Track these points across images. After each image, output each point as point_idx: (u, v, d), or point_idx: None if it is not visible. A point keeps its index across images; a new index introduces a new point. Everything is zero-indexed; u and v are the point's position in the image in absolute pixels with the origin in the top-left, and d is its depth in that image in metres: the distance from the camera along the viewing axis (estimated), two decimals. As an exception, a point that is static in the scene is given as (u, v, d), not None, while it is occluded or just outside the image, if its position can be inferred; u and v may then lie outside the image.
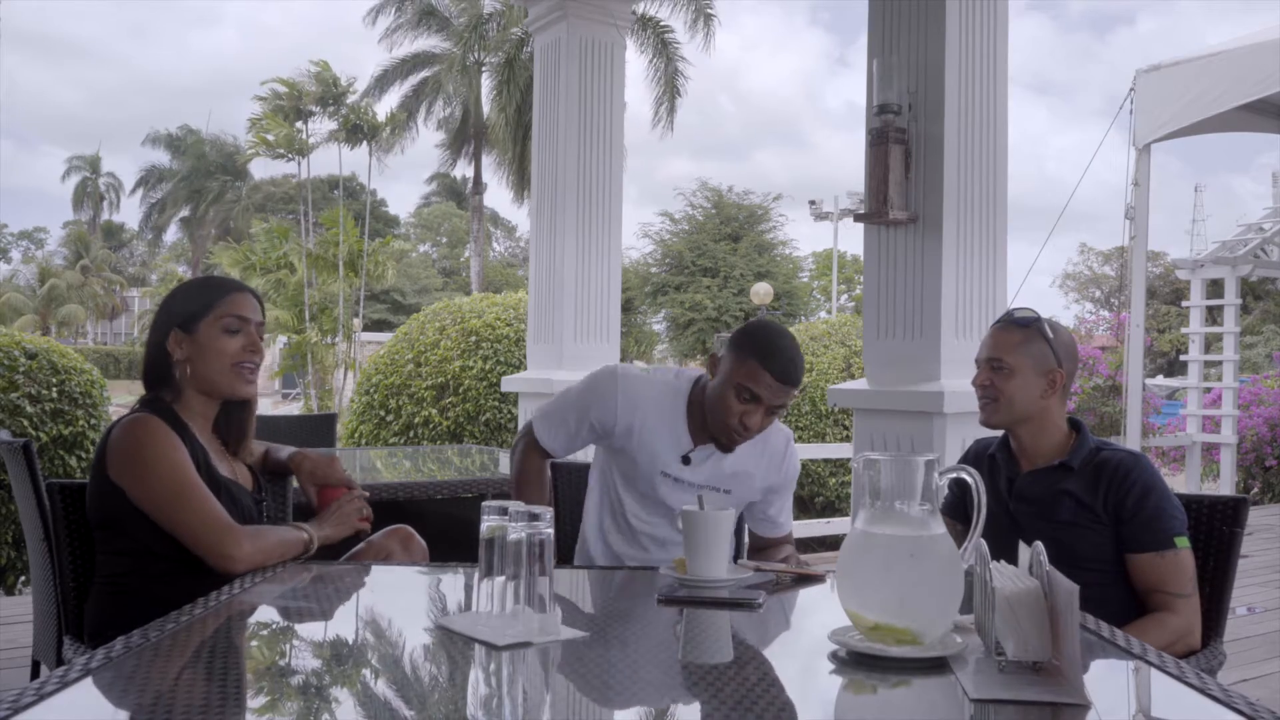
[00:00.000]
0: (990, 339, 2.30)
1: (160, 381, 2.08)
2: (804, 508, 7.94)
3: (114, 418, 5.69)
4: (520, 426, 5.41)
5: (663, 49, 23.87)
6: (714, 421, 2.28)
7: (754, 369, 2.20)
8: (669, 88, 23.91)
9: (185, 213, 46.32)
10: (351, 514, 2.19)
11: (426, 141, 29.87)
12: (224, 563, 1.91)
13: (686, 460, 2.36)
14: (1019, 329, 2.26)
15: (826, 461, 7.79)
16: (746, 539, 2.63)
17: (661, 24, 23.68)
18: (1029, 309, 2.32)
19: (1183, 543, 2.12)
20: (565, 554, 2.61)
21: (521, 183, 26.24)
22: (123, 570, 2.03)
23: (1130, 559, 2.14)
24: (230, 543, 1.91)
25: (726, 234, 31.75)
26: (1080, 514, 2.16)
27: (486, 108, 27.21)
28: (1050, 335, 2.25)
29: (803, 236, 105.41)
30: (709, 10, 23.24)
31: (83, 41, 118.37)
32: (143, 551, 1.99)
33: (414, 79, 28.22)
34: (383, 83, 27.54)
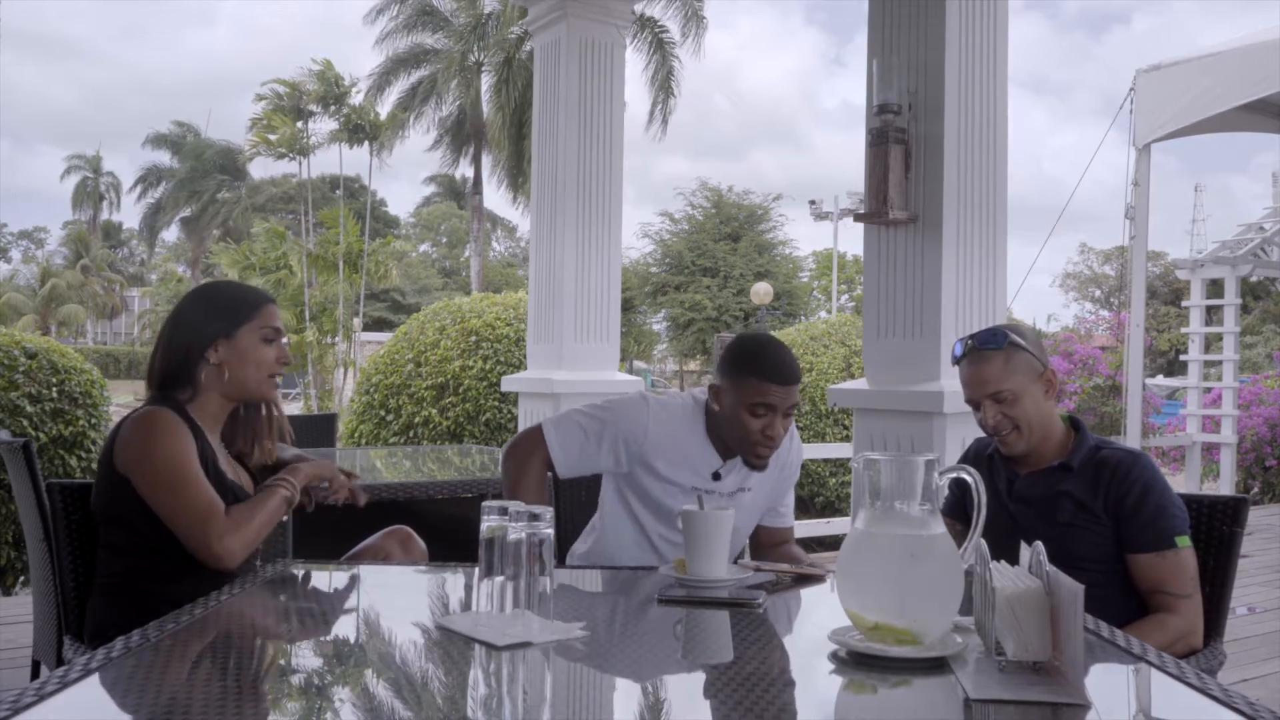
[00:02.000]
0: (974, 373, 2.21)
1: (177, 383, 2.09)
2: (804, 508, 7.94)
3: (114, 417, 5.71)
4: (520, 428, 5.41)
5: (658, 48, 23.87)
6: (738, 445, 2.30)
7: (757, 385, 2.22)
8: (663, 88, 23.92)
9: (186, 213, 46.31)
10: (328, 466, 2.22)
11: (426, 142, 29.85)
12: (208, 558, 1.92)
13: (717, 476, 2.36)
14: (996, 351, 2.19)
15: (826, 461, 7.78)
16: (746, 541, 2.63)
17: (658, 24, 23.69)
18: (985, 329, 2.27)
19: (1184, 542, 2.10)
20: (563, 554, 2.61)
21: (517, 182, 26.26)
22: (124, 569, 2.03)
23: (1131, 559, 2.12)
24: (213, 537, 1.92)
25: (726, 234, 31.77)
26: (1080, 515, 2.15)
27: (486, 108, 27.22)
28: (1023, 341, 2.21)
29: (802, 236, 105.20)
30: (701, 14, 23.27)
31: (76, 40, 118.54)
32: (145, 549, 2.00)
33: (413, 77, 28.22)
34: (382, 82, 27.54)
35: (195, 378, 2.09)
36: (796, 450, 2.51)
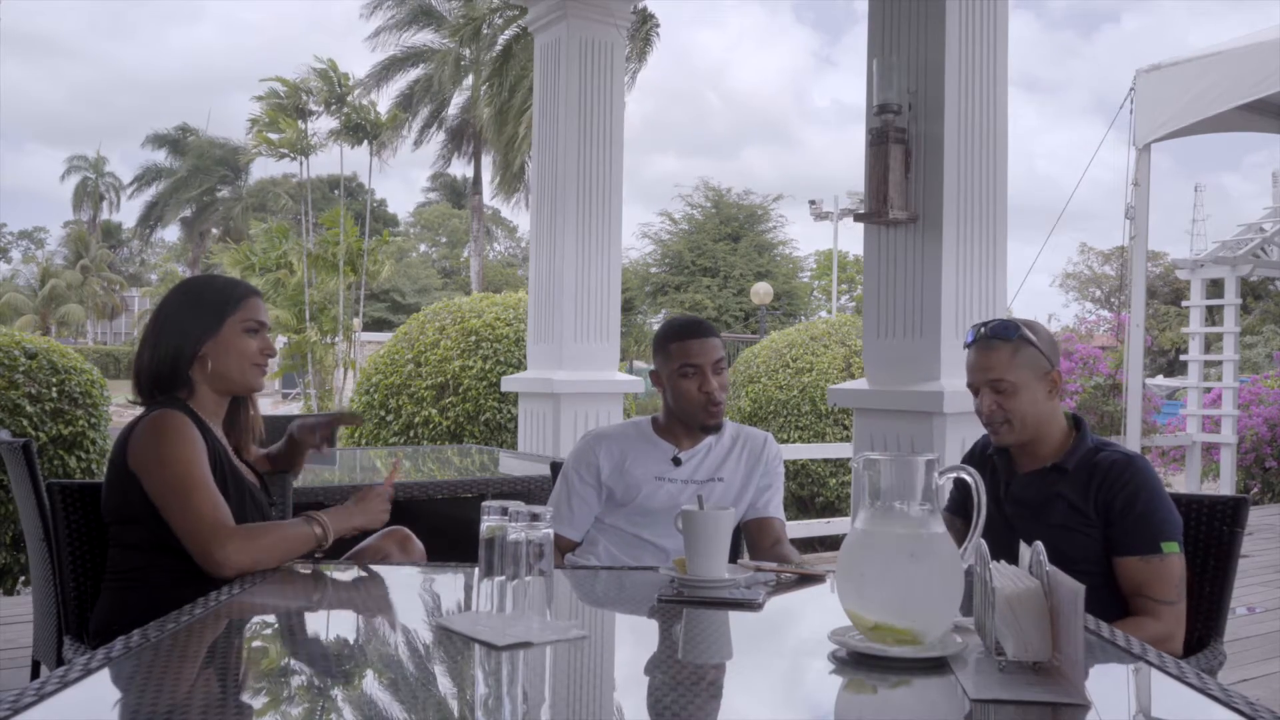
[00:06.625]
0: (980, 360, 2.22)
1: (172, 384, 2.10)
2: (804, 508, 7.93)
3: (114, 417, 5.70)
4: (520, 428, 5.42)
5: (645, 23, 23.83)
6: (688, 412, 2.49)
7: (676, 348, 2.49)
8: (643, 41, 23.82)
9: (186, 213, 46.27)
10: (378, 507, 2.16)
11: (425, 141, 29.87)
12: (210, 566, 1.90)
13: (678, 461, 2.53)
14: (1005, 342, 2.19)
15: (826, 461, 7.77)
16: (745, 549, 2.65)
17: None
18: (1000, 318, 2.28)
19: (1171, 549, 2.07)
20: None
21: (508, 178, 26.24)
22: (136, 565, 2.03)
23: (1116, 561, 2.10)
24: (216, 545, 1.89)
25: (726, 234, 31.79)
26: (1072, 517, 2.13)
27: (483, 106, 27.20)
28: (1034, 338, 2.20)
29: (802, 236, 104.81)
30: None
31: (60, 38, 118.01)
32: (158, 546, 1.99)
33: (410, 75, 28.23)
34: (379, 79, 27.53)
35: (188, 377, 2.10)
36: (773, 448, 2.63)
